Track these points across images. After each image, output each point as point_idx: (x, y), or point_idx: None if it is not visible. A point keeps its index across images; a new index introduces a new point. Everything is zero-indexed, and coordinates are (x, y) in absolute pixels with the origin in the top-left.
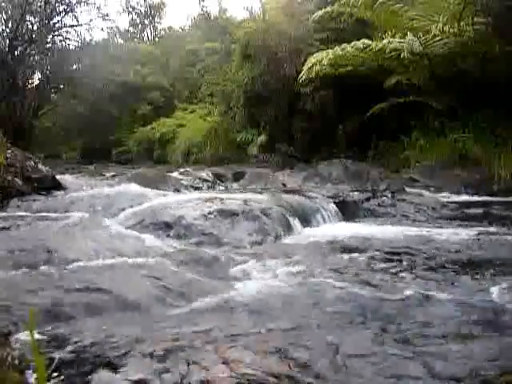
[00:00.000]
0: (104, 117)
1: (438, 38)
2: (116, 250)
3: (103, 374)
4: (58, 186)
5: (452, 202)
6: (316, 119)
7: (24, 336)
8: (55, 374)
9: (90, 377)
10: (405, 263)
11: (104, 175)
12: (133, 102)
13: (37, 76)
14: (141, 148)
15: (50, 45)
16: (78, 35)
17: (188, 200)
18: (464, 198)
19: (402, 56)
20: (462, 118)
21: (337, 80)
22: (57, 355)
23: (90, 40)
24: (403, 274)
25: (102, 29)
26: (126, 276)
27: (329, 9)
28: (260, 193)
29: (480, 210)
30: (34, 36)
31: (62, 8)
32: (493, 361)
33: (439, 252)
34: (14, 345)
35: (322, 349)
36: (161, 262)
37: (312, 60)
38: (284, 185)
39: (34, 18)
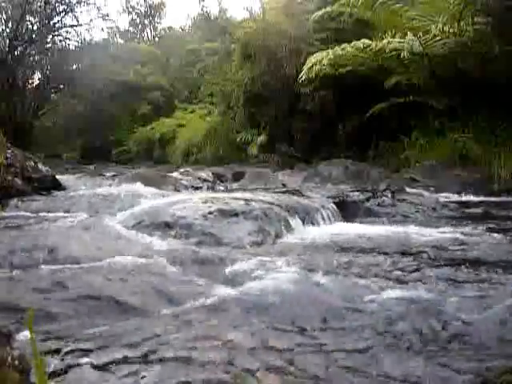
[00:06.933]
0: (104, 117)
1: (438, 38)
2: (116, 249)
3: (102, 374)
4: (58, 186)
5: (452, 202)
6: (316, 119)
7: (24, 336)
8: (55, 374)
9: (89, 376)
10: (404, 263)
11: (104, 175)
12: (133, 101)
13: (37, 76)
14: (141, 148)
15: (49, 45)
16: (78, 35)
17: (188, 200)
18: (464, 197)
19: (401, 56)
20: (462, 118)
21: (337, 80)
22: (56, 355)
23: (90, 40)
24: (402, 274)
25: (102, 29)
26: (125, 276)
27: (329, 9)
28: (260, 193)
29: (480, 210)
30: (33, 36)
31: (61, 8)
32: (492, 361)
33: (439, 252)
34: (14, 345)
35: (320, 350)
36: (161, 261)
37: (312, 60)
38: (284, 185)
39: (34, 18)
